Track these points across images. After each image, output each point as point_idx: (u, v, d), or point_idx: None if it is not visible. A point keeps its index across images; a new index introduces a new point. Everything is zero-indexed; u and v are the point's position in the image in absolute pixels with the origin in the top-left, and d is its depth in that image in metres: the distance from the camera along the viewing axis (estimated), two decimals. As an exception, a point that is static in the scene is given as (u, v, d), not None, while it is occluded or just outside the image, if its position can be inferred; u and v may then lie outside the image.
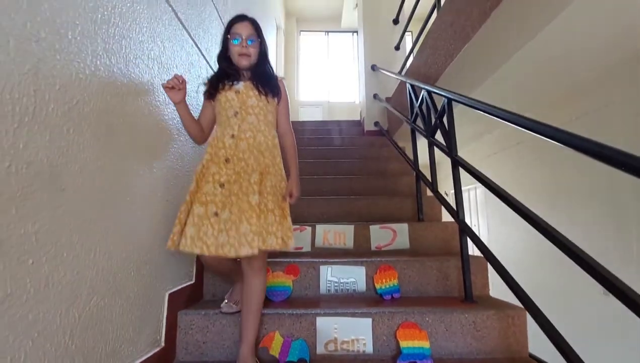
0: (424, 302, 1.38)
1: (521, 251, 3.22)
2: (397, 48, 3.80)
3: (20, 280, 0.61)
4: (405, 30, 3.56)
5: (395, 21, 3.88)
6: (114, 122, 0.89)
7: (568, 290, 2.52)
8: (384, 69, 3.42)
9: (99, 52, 0.83)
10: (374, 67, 3.75)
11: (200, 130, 1.25)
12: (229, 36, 1.21)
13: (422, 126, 1.98)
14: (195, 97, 1.47)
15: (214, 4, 1.75)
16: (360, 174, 2.63)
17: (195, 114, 1.26)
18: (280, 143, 1.28)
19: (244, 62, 1.21)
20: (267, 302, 1.34)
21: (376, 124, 3.62)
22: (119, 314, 0.91)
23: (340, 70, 6.56)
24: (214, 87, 1.22)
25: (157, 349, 1.11)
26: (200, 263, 1.44)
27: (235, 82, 1.22)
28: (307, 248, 1.82)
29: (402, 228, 1.84)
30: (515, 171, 3.43)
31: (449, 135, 1.55)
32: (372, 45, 3.90)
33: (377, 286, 1.48)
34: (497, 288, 1.51)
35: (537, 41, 1.66)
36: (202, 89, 1.26)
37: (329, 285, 1.52)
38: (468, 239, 1.43)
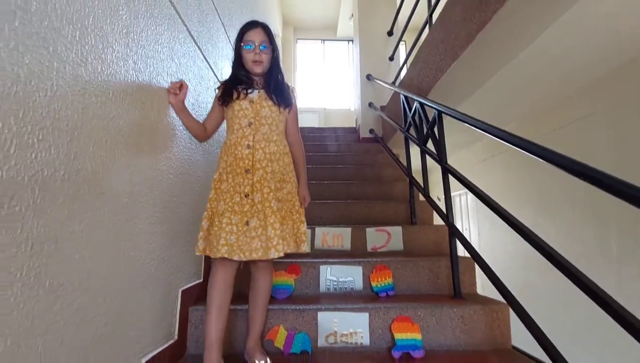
0: (416, 298, 1.50)
1: (510, 254, 3.36)
2: (392, 58, 3.95)
3: (70, 273, 0.71)
4: (399, 42, 3.71)
5: (390, 33, 4.04)
6: (139, 134, 1.00)
7: (553, 291, 2.66)
8: (378, 79, 3.56)
9: (130, 71, 0.94)
10: (369, 77, 3.90)
11: (202, 130, 1.31)
12: (242, 43, 1.23)
13: (414, 135, 2.11)
14: (206, 108, 1.57)
15: (220, 18, 1.87)
16: (357, 180, 2.75)
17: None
18: (291, 149, 1.32)
19: (257, 69, 1.23)
20: (271, 299, 1.43)
21: (371, 131, 3.75)
22: (141, 307, 1.01)
23: (337, 78, 6.71)
24: (228, 94, 1.23)
25: (171, 341, 1.20)
26: (209, 264, 1.53)
27: (249, 90, 1.24)
28: (307, 249, 1.92)
29: (396, 231, 1.95)
30: (503, 177, 3.58)
31: (439, 144, 1.68)
32: (367, 56, 4.05)
33: (373, 284, 1.59)
34: (487, 289, 1.63)
35: (519, 59, 1.81)
36: (215, 93, 1.30)
37: (328, 283, 1.63)
38: (457, 241, 1.56)
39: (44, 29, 0.64)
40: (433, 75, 2.23)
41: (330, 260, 1.67)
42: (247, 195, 1.15)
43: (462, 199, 4.90)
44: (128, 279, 0.94)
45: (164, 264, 1.15)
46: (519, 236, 1.12)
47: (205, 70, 1.61)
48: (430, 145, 1.86)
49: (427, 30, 2.49)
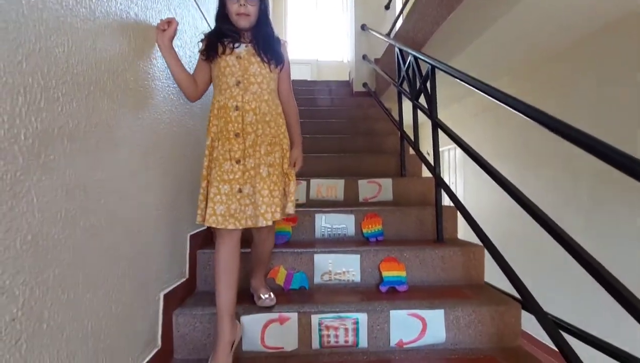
0: (403, 242, 1.65)
1: (493, 204, 3.57)
2: (387, 7, 3.81)
3: (98, 216, 0.80)
4: (395, -11, 3.56)
5: (386, -22, 3.85)
6: (145, 87, 1.03)
7: (529, 238, 2.89)
8: (373, 30, 3.47)
9: (132, 24, 0.95)
10: (363, 27, 3.78)
11: (192, 83, 1.16)
12: None
13: (407, 89, 2.15)
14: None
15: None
16: (350, 133, 2.81)
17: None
18: (283, 108, 1.25)
19: (242, 23, 1.12)
20: (271, 243, 1.57)
21: (365, 85, 3.73)
22: (157, 248, 1.11)
23: (330, 27, 6.44)
24: (213, 48, 1.14)
25: (183, 279, 1.33)
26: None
27: (235, 44, 1.14)
28: (302, 200, 2.04)
29: (387, 182, 2.07)
30: (494, 132, 3.68)
31: (431, 99, 1.74)
32: (362, 3, 3.89)
33: (364, 231, 1.73)
34: (468, 235, 1.79)
35: (514, 12, 1.81)
36: (198, 47, 1.19)
37: (323, 230, 1.77)
38: (443, 192, 1.68)
39: (55, -16, 0.66)
40: (429, 28, 2.21)
41: (325, 210, 1.80)
42: (238, 161, 1.10)
43: (451, 154, 5.03)
44: (145, 223, 1.03)
45: (173, 211, 1.25)
46: (501, 188, 1.24)
47: (200, 21, 1.58)
48: (422, 100, 1.92)
49: (424, -22, 2.41)
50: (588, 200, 2.38)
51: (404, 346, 1.24)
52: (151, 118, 1.07)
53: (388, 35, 3.26)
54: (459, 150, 4.84)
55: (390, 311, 1.24)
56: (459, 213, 1.63)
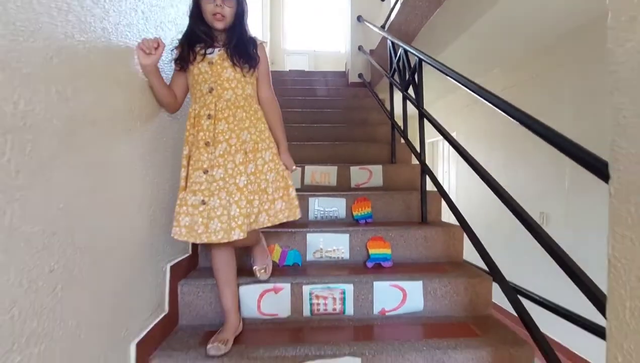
0: (390, 224, 1.78)
1: (482, 191, 3.69)
2: (383, -1, 3.88)
3: (113, 190, 0.92)
4: (391, -19, 3.62)
5: (383, -30, 3.91)
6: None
7: (507, 223, 3.02)
8: (368, 22, 3.54)
9: (140, 20, 1.06)
10: (359, 18, 3.85)
11: (172, 98, 1.15)
12: None
13: (398, 81, 2.25)
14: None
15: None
16: (344, 123, 2.92)
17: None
18: (264, 112, 1.20)
19: (217, 25, 1.09)
20: (268, 224, 1.70)
21: (360, 75, 3.83)
22: (164, 228, 1.24)
23: (327, 18, 6.47)
24: (184, 57, 1.11)
25: (187, 255, 1.46)
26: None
27: (208, 50, 1.11)
28: (297, 185, 2.16)
29: (377, 169, 2.19)
30: (485, 121, 3.78)
31: (418, 90, 1.85)
32: (359, -5, 3.95)
33: (355, 213, 1.86)
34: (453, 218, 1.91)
35: (499, 7, 1.91)
36: (172, 55, 1.15)
37: (316, 213, 1.90)
38: (428, 178, 1.80)
39: (77, -11, 0.76)
40: (419, 21, 2.30)
41: (318, 194, 1.92)
42: (205, 171, 1.07)
43: (445, 143, 5.14)
44: (154, 204, 1.15)
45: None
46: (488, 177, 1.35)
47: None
48: (411, 91, 2.02)
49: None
50: (569, 189, 2.51)
51: (386, 313, 1.38)
52: (155, 106, 1.18)
53: (383, 27, 3.33)
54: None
55: (374, 282, 1.38)
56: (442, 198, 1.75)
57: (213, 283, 1.31)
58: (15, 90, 0.60)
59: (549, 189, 2.72)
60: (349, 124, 2.91)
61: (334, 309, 1.37)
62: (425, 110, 1.80)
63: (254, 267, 1.38)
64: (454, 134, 4.94)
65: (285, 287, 1.36)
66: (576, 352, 2.32)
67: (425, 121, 1.80)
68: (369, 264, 1.56)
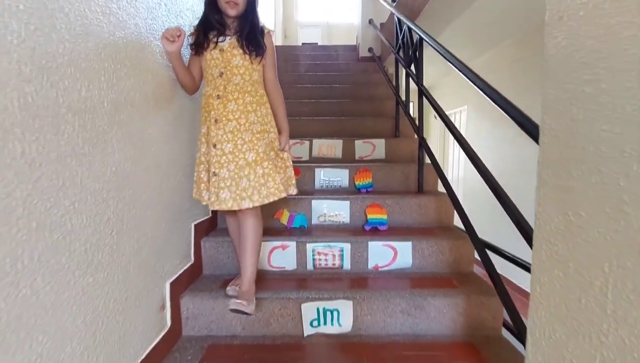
0: (388, 193, 1.96)
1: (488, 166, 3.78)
2: (395, -30, 3.82)
3: (151, 159, 1.12)
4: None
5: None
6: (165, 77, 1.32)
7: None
8: (379, -6, 3.54)
9: (162, 11, 1.22)
10: (371, -9, 3.84)
11: (192, 81, 1.28)
12: None
13: (402, 57, 2.34)
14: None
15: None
16: (352, 98, 3.04)
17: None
18: (268, 97, 1.31)
19: (230, 11, 1.18)
20: (278, 191, 1.90)
21: (370, 50, 3.86)
22: (189, 192, 1.45)
23: (340, -13, 6.36)
24: (199, 43, 1.22)
25: (207, 217, 1.69)
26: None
27: (220, 38, 1.21)
28: (305, 157, 2.35)
29: (380, 143, 2.34)
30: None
31: (419, 67, 1.95)
32: (371, -35, 3.91)
33: (357, 183, 2.04)
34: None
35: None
36: (188, 41, 1.26)
37: (321, 182, 2.09)
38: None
39: (115, -7, 0.93)
40: (425, -4, 2.34)
41: (324, 165, 2.10)
42: (214, 145, 1.19)
43: (457, 117, 5.16)
44: (180, 166, 1.36)
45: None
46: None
47: None
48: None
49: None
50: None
51: (379, 269, 1.58)
52: (180, 90, 1.36)
53: (393, 1, 3.34)
54: (465, 114, 4.97)
55: (369, 242, 1.58)
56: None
57: (229, 240, 1.53)
58: (79, 81, 0.79)
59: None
60: (356, 99, 3.02)
61: (334, 264, 1.58)
62: (424, 87, 1.91)
63: (234, 300, 1.18)
64: (465, 107, 4.98)
65: (292, 244, 1.58)
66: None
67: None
68: (367, 227, 1.75)
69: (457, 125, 5.16)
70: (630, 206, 0.52)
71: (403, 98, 2.39)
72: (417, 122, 2.00)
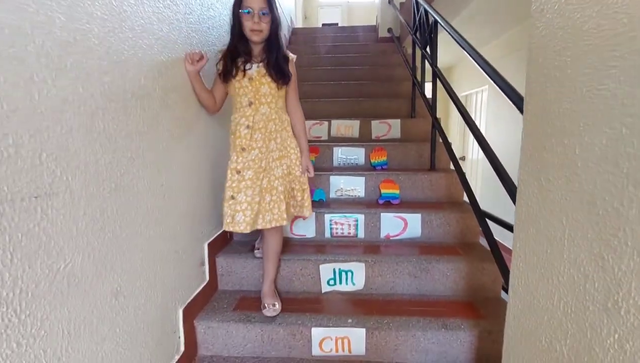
0: (402, 170, 2.09)
1: (503, 144, 3.80)
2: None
3: (192, 137, 1.31)
4: None
5: None
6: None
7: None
8: (399, -27, 3.53)
9: (196, 17, 1.38)
10: (391, -31, 3.82)
11: (212, 101, 1.34)
12: (240, 8, 1.22)
13: (419, 38, 2.40)
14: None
15: None
16: (371, 80, 3.12)
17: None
18: (290, 120, 1.37)
19: (255, 38, 1.24)
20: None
21: (389, 30, 3.88)
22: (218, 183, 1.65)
23: (361, -36, 6.26)
24: (228, 71, 1.26)
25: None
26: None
27: (247, 66, 1.27)
28: (324, 137, 2.50)
29: (396, 123, 2.45)
30: (519, 73, 3.76)
31: (433, 48, 2.03)
32: (392, -57, 3.87)
33: (372, 161, 2.18)
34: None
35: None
36: (216, 68, 1.32)
37: (339, 160, 2.24)
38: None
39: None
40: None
41: (341, 144, 2.25)
42: (238, 172, 1.28)
43: (478, 97, 5.11)
44: (216, 145, 1.55)
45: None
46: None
47: None
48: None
49: None
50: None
51: (390, 238, 1.74)
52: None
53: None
54: (486, 93, 4.92)
55: (381, 213, 1.73)
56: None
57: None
58: (141, 72, 0.97)
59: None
60: (375, 80, 3.10)
61: (349, 233, 1.76)
62: (438, 69, 1.99)
63: (264, 302, 1.36)
64: (486, 86, 4.91)
65: (311, 215, 1.75)
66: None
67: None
68: (380, 201, 1.91)
69: (478, 105, 5.12)
70: (581, 170, 0.65)
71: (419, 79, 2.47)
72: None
